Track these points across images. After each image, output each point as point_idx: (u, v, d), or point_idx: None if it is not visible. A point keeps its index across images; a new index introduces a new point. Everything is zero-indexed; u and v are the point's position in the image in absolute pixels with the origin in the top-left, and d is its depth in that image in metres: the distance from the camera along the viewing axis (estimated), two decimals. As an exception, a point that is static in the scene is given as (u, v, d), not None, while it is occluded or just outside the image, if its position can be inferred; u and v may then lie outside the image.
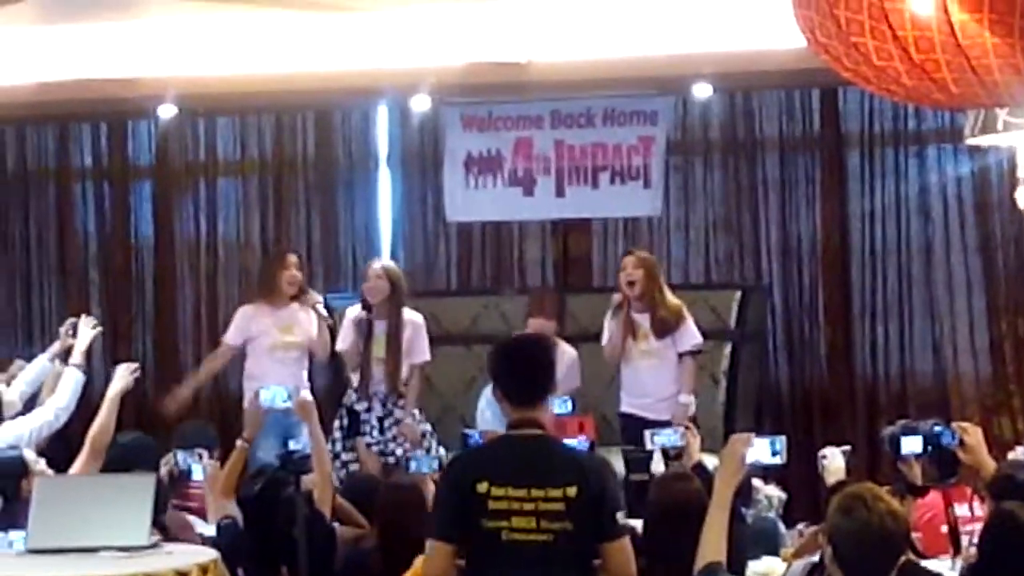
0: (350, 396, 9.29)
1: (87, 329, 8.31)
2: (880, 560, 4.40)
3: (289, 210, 11.59)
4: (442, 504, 5.20)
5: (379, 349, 9.21)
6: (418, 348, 9.33)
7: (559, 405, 7.75)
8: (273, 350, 9.36)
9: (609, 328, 9.16)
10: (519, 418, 5.19)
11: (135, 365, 8.03)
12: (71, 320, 8.36)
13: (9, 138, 11.97)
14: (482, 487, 5.03)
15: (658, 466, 7.34)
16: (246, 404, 8.73)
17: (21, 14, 9.32)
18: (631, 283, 9.06)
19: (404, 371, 9.24)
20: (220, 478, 7.30)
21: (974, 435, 6.59)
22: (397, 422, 9.19)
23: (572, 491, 5.02)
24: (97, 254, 11.92)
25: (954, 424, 6.79)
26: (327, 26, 9.41)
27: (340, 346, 9.40)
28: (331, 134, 11.58)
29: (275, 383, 8.19)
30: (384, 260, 9.94)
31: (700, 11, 9.03)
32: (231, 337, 9.54)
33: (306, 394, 8.82)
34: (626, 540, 5.14)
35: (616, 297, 9.15)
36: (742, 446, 5.00)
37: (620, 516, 5.16)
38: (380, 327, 9.24)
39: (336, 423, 9.29)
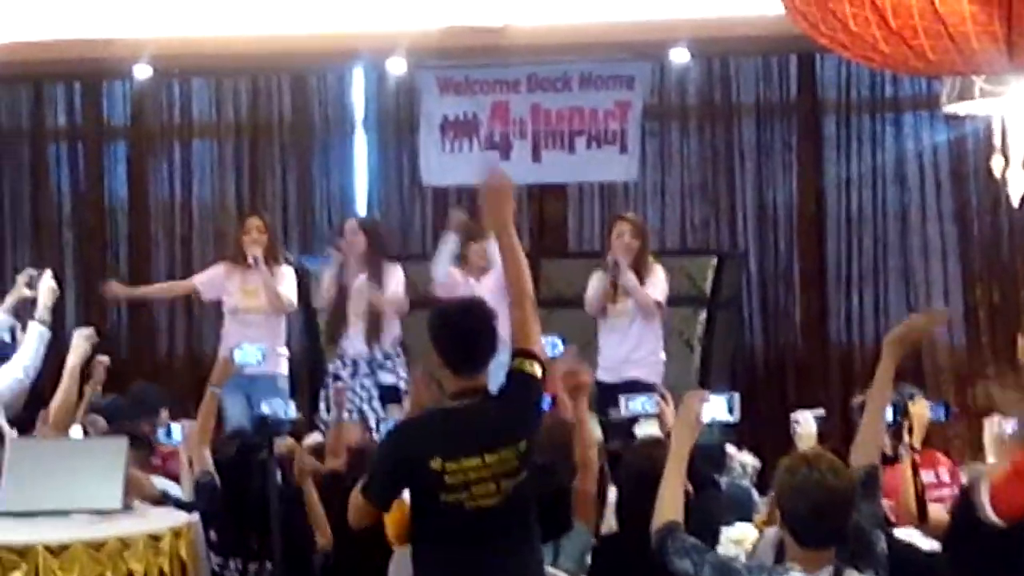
0: (335, 363, 9.32)
1: (46, 286, 7.92)
2: (828, 516, 4.30)
3: (264, 173, 11.53)
4: (383, 474, 5.11)
5: (358, 304, 9.23)
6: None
7: (551, 348, 7.55)
8: (235, 312, 9.41)
9: (595, 287, 9.07)
10: (462, 387, 5.09)
11: (90, 331, 7.71)
12: (29, 271, 8.05)
13: (-17, 98, 11.90)
14: (435, 464, 4.95)
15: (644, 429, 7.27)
16: None
17: (-6, -27, 9.28)
18: (628, 251, 8.94)
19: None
20: (196, 428, 7.21)
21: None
22: (378, 384, 9.17)
23: (523, 445, 5.03)
24: (71, 215, 11.85)
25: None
26: (304, -12, 9.37)
27: (318, 302, 9.43)
28: (307, 97, 11.52)
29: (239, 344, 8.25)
30: (361, 215, 9.91)
31: (678, -24, 9.03)
32: (198, 278, 9.69)
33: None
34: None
35: (611, 259, 9.00)
36: (697, 403, 4.94)
37: None
38: (357, 283, 9.26)
39: (323, 392, 9.31)
